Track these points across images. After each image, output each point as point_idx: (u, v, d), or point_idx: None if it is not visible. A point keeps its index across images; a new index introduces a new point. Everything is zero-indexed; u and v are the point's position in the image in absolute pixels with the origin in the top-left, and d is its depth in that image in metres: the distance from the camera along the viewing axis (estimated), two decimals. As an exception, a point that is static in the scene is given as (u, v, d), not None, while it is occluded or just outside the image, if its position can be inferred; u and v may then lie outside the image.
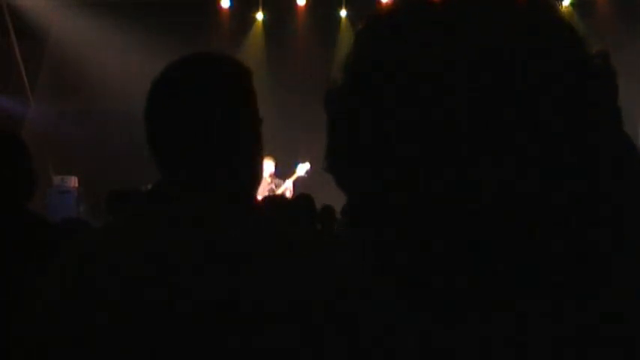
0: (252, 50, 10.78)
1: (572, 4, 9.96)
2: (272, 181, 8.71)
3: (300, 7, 10.93)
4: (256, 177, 1.41)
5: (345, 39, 10.39)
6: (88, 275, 1.25)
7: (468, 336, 0.66)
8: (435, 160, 0.64)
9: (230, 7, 10.88)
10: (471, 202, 0.64)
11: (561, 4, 9.75)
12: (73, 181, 9.97)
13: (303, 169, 8.98)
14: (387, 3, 0.72)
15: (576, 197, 0.64)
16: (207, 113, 1.31)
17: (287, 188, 8.85)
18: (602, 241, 0.65)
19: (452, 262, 0.66)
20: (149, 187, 1.40)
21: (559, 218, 0.64)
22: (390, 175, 0.66)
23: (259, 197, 4.96)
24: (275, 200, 4.88)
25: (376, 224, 0.68)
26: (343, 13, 10.80)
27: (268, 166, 8.28)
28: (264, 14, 11.01)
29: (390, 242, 0.68)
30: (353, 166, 0.69)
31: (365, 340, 0.76)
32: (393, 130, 0.65)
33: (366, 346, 0.75)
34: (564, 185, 0.64)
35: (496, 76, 0.63)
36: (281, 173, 8.96)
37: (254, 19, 11.06)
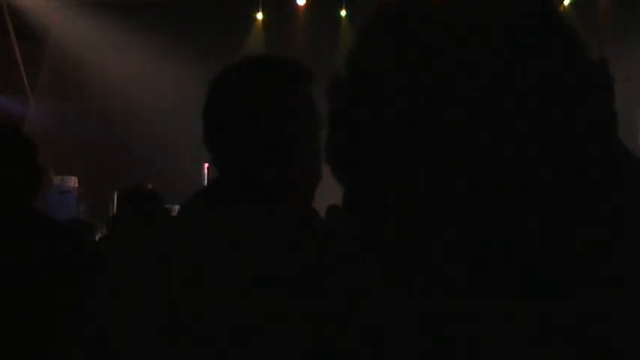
0: (252, 50, 10.77)
1: (572, 3, 9.94)
2: None
3: (300, 7, 10.93)
4: (308, 177, 1.40)
5: (345, 39, 10.38)
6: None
7: (468, 335, 0.66)
8: (434, 160, 0.64)
9: (230, 7, 10.88)
10: (470, 202, 0.64)
11: (562, 3, 9.75)
12: (73, 181, 9.96)
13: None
14: (389, 2, 0.72)
15: (575, 197, 0.64)
16: (252, 116, 1.32)
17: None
18: (601, 241, 0.65)
19: (451, 262, 0.66)
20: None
21: (559, 218, 0.64)
22: (389, 174, 0.66)
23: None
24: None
25: (376, 223, 0.68)
26: (343, 13, 10.80)
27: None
28: (264, 14, 11.01)
29: (390, 242, 0.68)
30: (352, 163, 0.69)
31: (364, 339, 0.76)
32: (393, 129, 0.65)
33: (365, 345, 0.75)
34: (564, 185, 0.64)
35: (496, 75, 0.63)
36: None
37: (254, 19, 11.06)
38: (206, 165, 9.29)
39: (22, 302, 2.05)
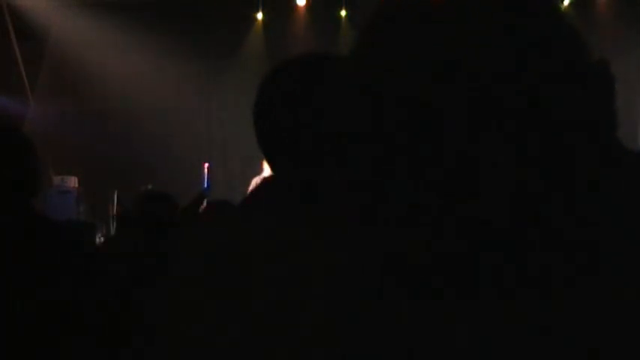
0: (252, 50, 10.78)
1: (571, 3, 9.94)
2: None
3: (300, 7, 10.93)
4: None
5: (345, 39, 10.38)
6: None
7: (468, 335, 0.66)
8: (434, 160, 0.64)
9: (230, 7, 10.88)
10: (470, 202, 0.64)
11: (562, 3, 9.75)
12: (73, 181, 9.96)
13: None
14: (389, 2, 0.72)
15: (575, 197, 0.64)
16: (295, 115, 1.32)
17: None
18: (601, 241, 0.65)
19: (451, 262, 0.66)
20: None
21: (558, 218, 0.64)
22: (389, 174, 0.66)
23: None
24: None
25: (376, 223, 0.68)
26: (343, 13, 10.80)
27: (268, 167, 8.28)
28: (264, 14, 11.01)
29: (390, 242, 0.68)
30: (353, 163, 0.69)
31: (364, 339, 0.76)
32: (393, 129, 0.65)
33: (366, 345, 0.75)
34: (564, 186, 0.64)
35: (496, 75, 0.63)
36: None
37: (254, 19, 11.06)
38: (206, 165, 9.29)
39: (22, 302, 2.05)
